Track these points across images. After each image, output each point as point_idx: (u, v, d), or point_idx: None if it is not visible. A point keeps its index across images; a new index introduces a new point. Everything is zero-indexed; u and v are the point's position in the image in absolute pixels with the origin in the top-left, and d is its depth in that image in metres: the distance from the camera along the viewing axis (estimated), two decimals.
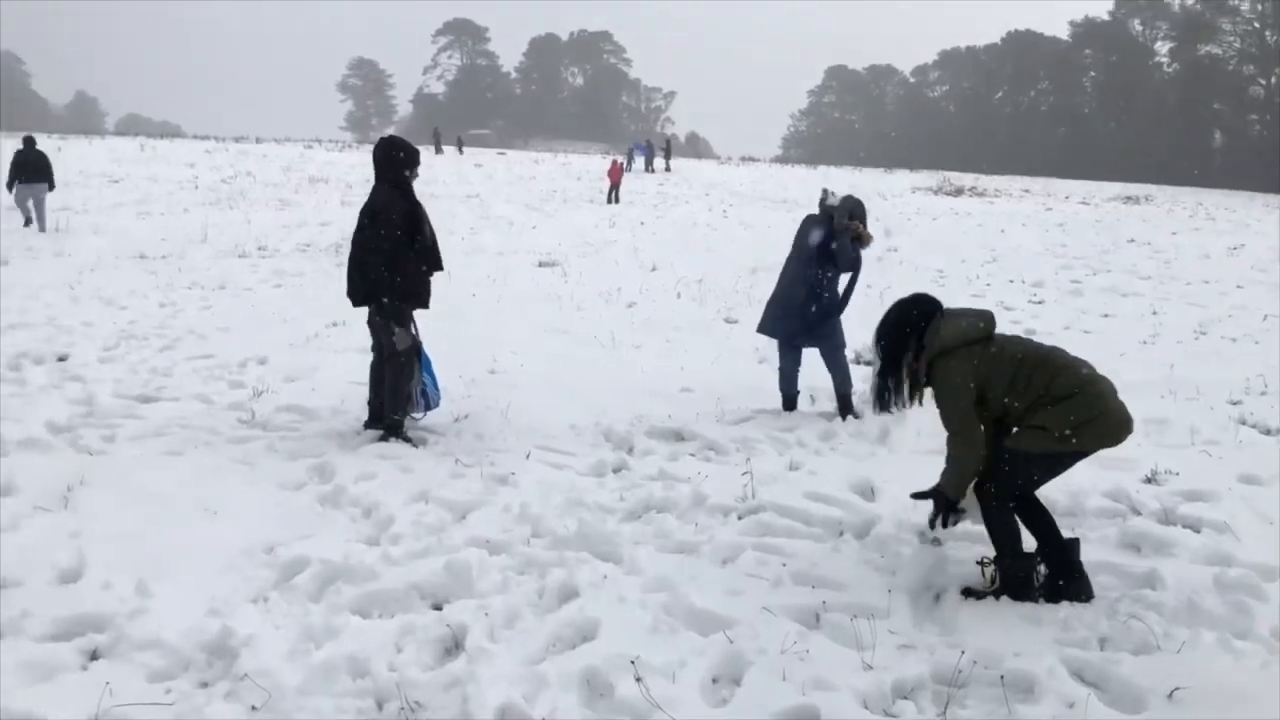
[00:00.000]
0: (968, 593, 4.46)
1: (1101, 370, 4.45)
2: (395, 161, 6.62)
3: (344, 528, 5.22)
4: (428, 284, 6.72)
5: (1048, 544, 4.48)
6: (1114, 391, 4.35)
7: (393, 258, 6.44)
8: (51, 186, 18.97)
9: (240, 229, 19.42)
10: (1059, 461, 4.41)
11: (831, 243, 7.35)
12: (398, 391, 6.68)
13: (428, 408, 6.91)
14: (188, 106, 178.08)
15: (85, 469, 5.87)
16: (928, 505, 5.07)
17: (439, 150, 54.31)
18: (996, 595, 4.41)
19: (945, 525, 4.63)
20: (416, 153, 6.77)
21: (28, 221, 18.51)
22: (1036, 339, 4.86)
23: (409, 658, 3.85)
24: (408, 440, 6.62)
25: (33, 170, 18.67)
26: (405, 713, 3.46)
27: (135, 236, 17.91)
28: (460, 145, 57.06)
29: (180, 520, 5.17)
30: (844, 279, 7.53)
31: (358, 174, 36.72)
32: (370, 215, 6.50)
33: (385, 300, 6.51)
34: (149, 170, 33.81)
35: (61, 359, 8.77)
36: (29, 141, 19.37)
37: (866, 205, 7.62)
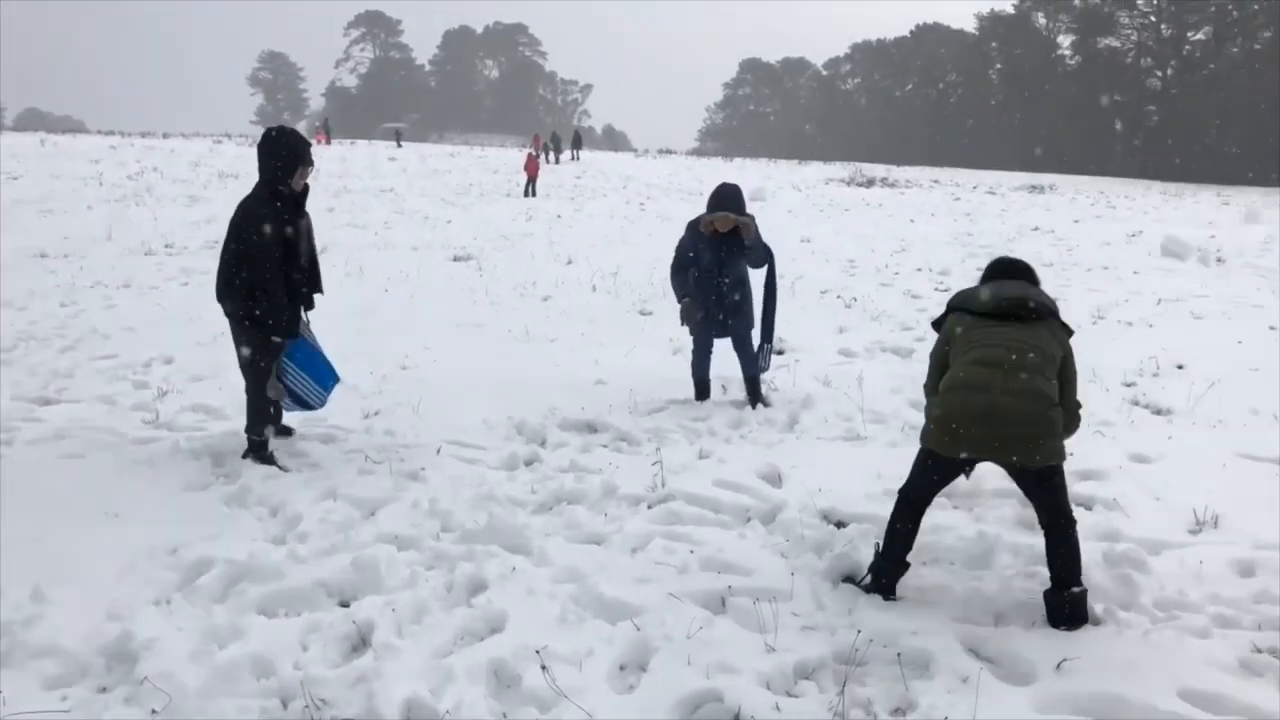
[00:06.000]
0: (847, 580, 4.51)
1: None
2: (270, 160, 5.79)
3: (250, 527, 5.16)
4: (296, 313, 6.03)
5: (1054, 582, 4.22)
6: (969, 393, 4.14)
7: (252, 279, 5.77)
8: None
9: (147, 226, 18.94)
10: (936, 463, 4.33)
11: (708, 252, 7.20)
12: (253, 407, 6.06)
13: (308, 407, 6.33)
14: (92, 101, 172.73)
15: None
16: (831, 489, 5.16)
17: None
18: (865, 588, 4.40)
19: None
20: (303, 150, 5.84)
21: None
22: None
23: (315, 656, 3.83)
24: (272, 463, 6.00)
25: None
26: (310, 711, 3.45)
27: (36, 235, 17.34)
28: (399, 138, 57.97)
29: (80, 524, 5.05)
30: (760, 275, 7.36)
31: None
32: (233, 226, 5.82)
33: (236, 318, 5.92)
34: (51, 166, 32.72)
35: None
36: None
37: (740, 190, 7.27)
